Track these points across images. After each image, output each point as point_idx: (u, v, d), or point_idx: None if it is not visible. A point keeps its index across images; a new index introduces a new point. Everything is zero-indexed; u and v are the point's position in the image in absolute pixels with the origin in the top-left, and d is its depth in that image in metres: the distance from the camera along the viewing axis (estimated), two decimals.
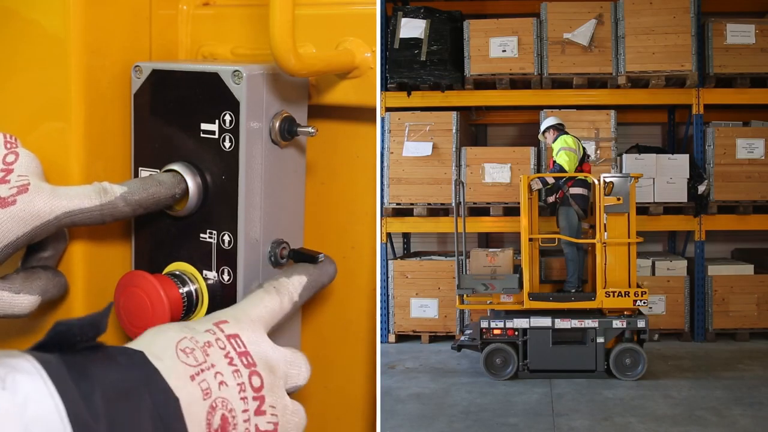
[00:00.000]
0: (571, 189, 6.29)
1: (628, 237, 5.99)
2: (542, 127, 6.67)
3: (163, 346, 0.91)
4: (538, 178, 6.29)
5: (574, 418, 5.13)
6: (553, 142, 6.49)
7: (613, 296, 5.89)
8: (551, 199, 6.43)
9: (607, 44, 7.24)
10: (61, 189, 1.12)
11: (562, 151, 6.31)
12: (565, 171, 6.25)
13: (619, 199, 5.94)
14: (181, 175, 1.21)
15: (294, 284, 1.15)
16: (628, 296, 5.88)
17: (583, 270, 6.43)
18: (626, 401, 5.46)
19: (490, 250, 6.70)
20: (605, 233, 5.97)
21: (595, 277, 6.06)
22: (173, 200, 1.20)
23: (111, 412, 0.77)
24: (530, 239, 6.15)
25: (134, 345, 0.91)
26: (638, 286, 5.96)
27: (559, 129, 6.53)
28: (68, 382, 0.75)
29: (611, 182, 6.01)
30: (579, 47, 7.24)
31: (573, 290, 6.25)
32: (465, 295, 6.21)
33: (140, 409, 0.80)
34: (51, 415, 0.72)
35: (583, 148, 6.48)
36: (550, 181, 6.31)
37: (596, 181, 5.98)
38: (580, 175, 6.29)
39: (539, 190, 6.37)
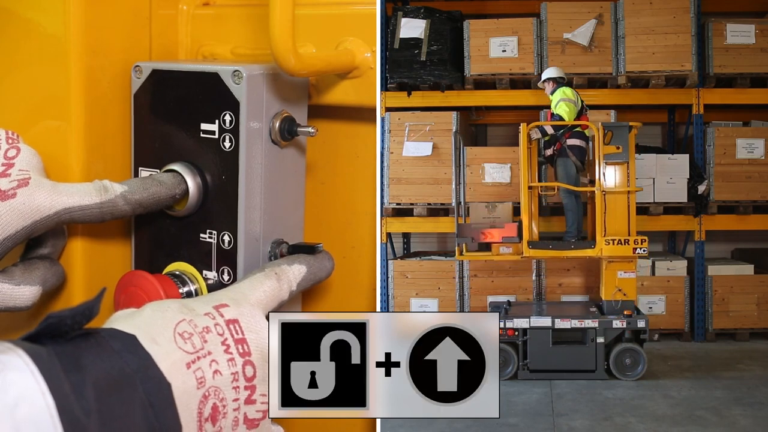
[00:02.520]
0: (568, 140, 6.26)
1: (627, 186, 5.99)
2: (543, 77, 6.65)
3: (160, 328, 0.90)
4: (537, 127, 6.27)
5: (574, 418, 5.13)
6: (552, 93, 6.47)
7: (613, 244, 5.90)
8: (549, 152, 6.41)
9: (607, 44, 7.24)
10: (61, 185, 1.12)
11: (562, 102, 6.27)
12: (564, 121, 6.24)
13: (618, 148, 5.95)
14: (182, 175, 1.21)
15: (294, 273, 1.14)
16: (628, 244, 5.90)
17: (582, 221, 6.43)
18: (626, 401, 5.46)
19: (490, 203, 6.69)
20: (604, 182, 5.99)
21: (594, 227, 6.07)
22: (173, 200, 1.20)
23: (102, 405, 0.76)
24: (529, 187, 6.15)
25: (131, 322, 0.90)
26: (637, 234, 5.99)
27: (559, 82, 6.52)
28: (60, 377, 0.74)
29: (610, 131, 6.02)
30: (579, 47, 7.24)
31: (572, 240, 6.24)
32: (464, 246, 6.21)
33: (132, 399, 0.80)
34: (42, 414, 0.72)
35: (582, 101, 6.45)
36: (549, 131, 6.28)
37: (596, 130, 5.95)
38: (579, 124, 6.24)
39: (537, 141, 6.35)
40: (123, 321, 0.91)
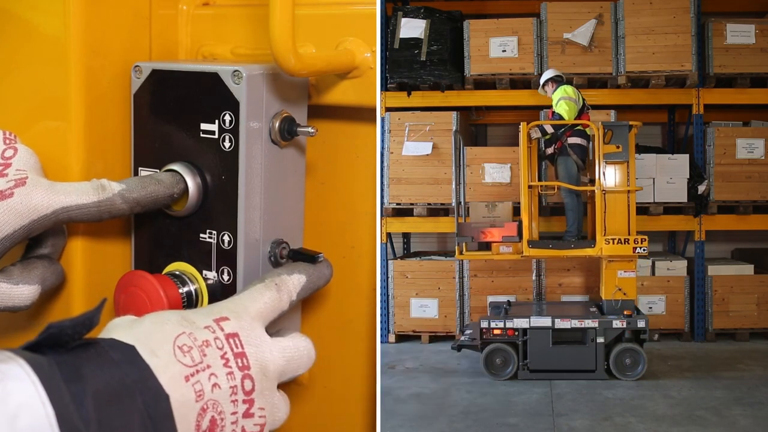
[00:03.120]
0: (569, 139, 6.24)
1: (627, 185, 6.00)
2: (541, 80, 6.65)
3: (160, 340, 0.90)
4: (537, 126, 6.26)
5: (574, 418, 5.13)
6: (553, 93, 6.47)
7: (613, 243, 5.91)
8: (550, 150, 6.39)
9: (607, 44, 7.24)
10: (59, 184, 1.12)
11: (562, 101, 6.25)
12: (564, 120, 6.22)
13: (618, 147, 5.95)
14: (180, 174, 1.21)
15: (294, 282, 1.14)
16: (628, 243, 5.91)
17: (582, 221, 6.43)
18: (626, 401, 5.46)
19: (490, 202, 6.68)
20: (604, 181, 5.99)
21: (594, 226, 6.07)
22: (171, 200, 1.20)
23: (101, 415, 0.77)
24: (529, 187, 6.15)
25: (131, 333, 0.90)
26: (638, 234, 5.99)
27: (558, 80, 6.50)
28: (60, 387, 0.75)
29: (610, 131, 6.01)
30: (579, 47, 7.24)
31: (573, 239, 6.23)
32: (465, 245, 6.21)
33: (131, 410, 0.80)
34: (42, 424, 0.72)
35: (583, 99, 6.43)
36: (549, 130, 6.27)
37: (596, 129, 5.94)
38: (579, 123, 6.22)
39: (538, 140, 6.35)
40: (122, 331, 0.91)
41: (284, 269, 1.17)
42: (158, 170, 1.24)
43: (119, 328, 0.92)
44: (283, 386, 1.06)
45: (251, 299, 1.07)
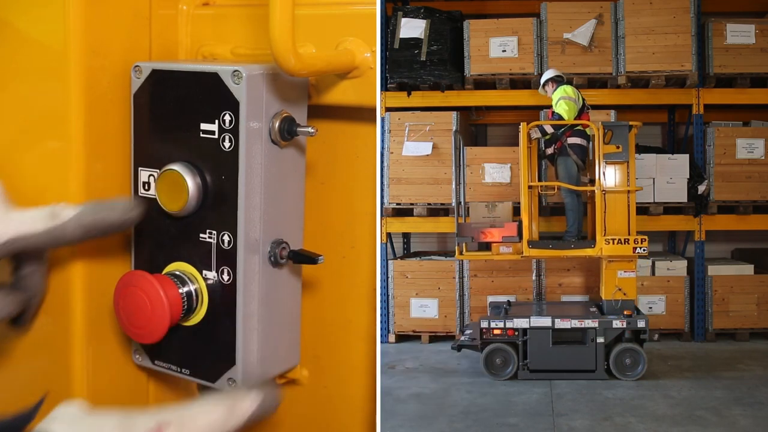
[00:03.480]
0: (569, 139, 6.23)
1: (627, 185, 6.00)
2: (542, 80, 6.64)
3: None
4: (537, 126, 6.25)
5: (574, 418, 5.13)
6: (553, 93, 6.46)
7: (613, 244, 5.92)
8: (550, 150, 6.39)
9: (607, 44, 7.24)
10: (13, 213, 1.13)
11: (562, 101, 6.25)
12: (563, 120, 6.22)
13: (618, 147, 5.95)
14: (138, 200, 1.21)
15: (246, 407, 1.12)
16: (628, 243, 5.91)
17: (582, 221, 6.43)
18: (626, 401, 5.46)
19: (490, 202, 6.67)
20: (604, 182, 5.98)
21: (594, 226, 6.07)
22: (125, 226, 1.20)
23: None
24: (529, 187, 6.15)
25: (69, 428, 0.91)
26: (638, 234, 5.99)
27: (558, 81, 6.50)
28: None
29: (610, 131, 6.01)
30: (579, 47, 7.24)
31: (573, 239, 6.23)
32: (465, 245, 6.21)
33: None
34: None
35: (583, 99, 6.43)
36: (549, 130, 6.26)
37: (596, 129, 5.93)
38: (579, 123, 6.21)
39: (538, 140, 6.34)
40: (61, 427, 0.92)
41: (244, 390, 1.14)
42: (158, 170, 1.24)
43: (60, 423, 0.93)
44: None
45: (201, 413, 1.07)
